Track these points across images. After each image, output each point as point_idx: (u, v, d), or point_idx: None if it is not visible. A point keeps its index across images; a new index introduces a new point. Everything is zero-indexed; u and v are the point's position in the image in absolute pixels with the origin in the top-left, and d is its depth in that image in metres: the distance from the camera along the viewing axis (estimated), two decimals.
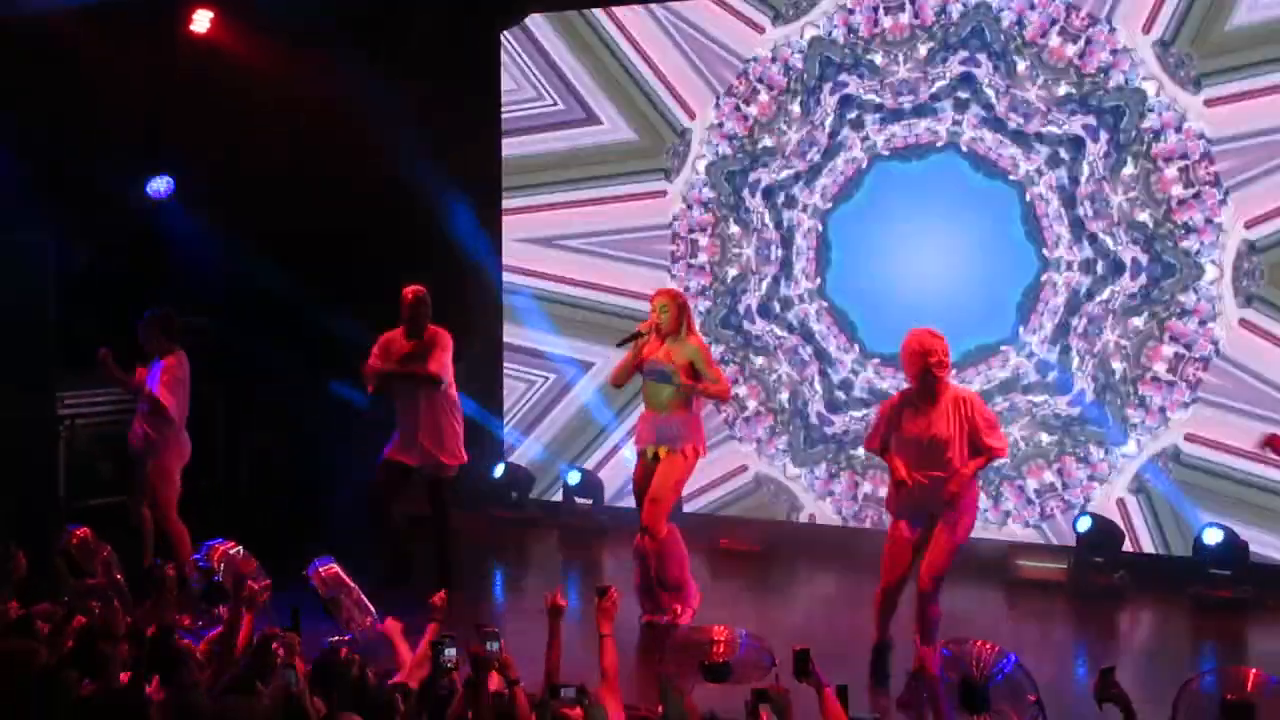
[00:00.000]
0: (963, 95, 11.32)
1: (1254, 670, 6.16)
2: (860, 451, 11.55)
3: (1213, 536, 9.93)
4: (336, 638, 7.29)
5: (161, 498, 9.80)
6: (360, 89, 11.80)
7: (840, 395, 11.92)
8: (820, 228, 11.96)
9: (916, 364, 8.03)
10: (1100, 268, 10.87)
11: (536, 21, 12.79)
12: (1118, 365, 10.83)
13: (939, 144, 11.47)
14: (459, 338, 10.15)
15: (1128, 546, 10.47)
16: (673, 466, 9.04)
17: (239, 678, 5.99)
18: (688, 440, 9.05)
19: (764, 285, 12.20)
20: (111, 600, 6.89)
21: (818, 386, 12.00)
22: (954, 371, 10.78)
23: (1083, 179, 10.91)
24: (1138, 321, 10.73)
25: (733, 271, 12.31)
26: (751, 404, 12.17)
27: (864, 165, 11.77)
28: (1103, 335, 10.87)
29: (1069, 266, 11.01)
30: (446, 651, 5.99)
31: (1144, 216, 10.68)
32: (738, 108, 12.18)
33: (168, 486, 9.83)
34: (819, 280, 11.99)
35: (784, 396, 12.08)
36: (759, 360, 12.13)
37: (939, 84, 11.40)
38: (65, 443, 11.92)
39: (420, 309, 9.77)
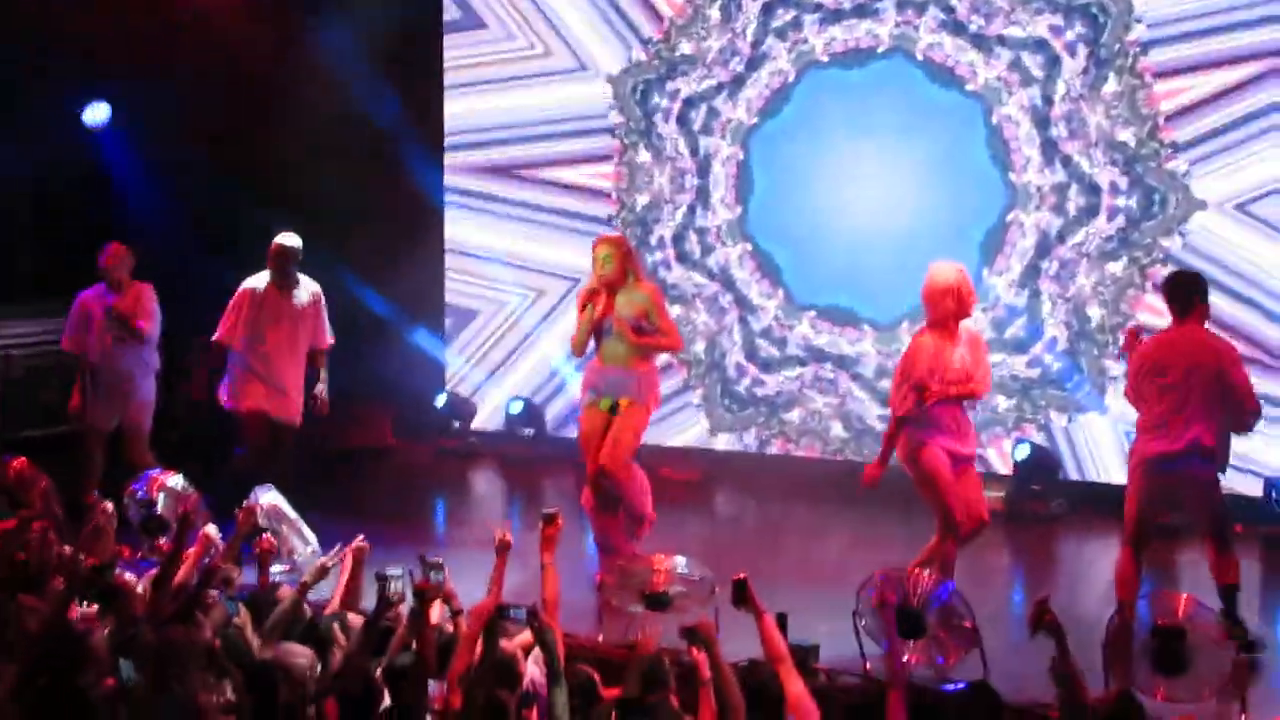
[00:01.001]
0: None
1: (1185, 595, 6.27)
2: (794, 416, 11.49)
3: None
4: (277, 567, 7.30)
5: (142, 426, 9.74)
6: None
7: (774, 352, 11.63)
8: (741, 154, 11.60)
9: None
10: (1074, 193, 10.47)
11: None
12: (1095, 312, 10.52)
13: (881, 49, 11.02)
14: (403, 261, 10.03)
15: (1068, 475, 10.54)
16: (635, 415, 8.62)
17: (180, 610, 5.97)
18: (649, 391, 8.67)
19: (678, 216, 11.91)
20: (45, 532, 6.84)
21: (736, 337, 11.72)
22: (906, 324, 10.69)
23: (1057, 97, 10.49)
24: (1115, 267, 10.40)
25: (643, 199, 12.05)
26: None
27: (792, 77, 11.34)
28: (1076, 280, 10.53)
29: (1039, 195, 10.58)
30: (393, 584, 5.98)
31: (1125, 135, 10.34)
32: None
33: (147, 415, 9.78)
34: (740, 210, 11.68)
35: (699, 348, 11.80)
36: (674, 310, 11.34)
37: None
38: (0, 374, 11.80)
39: None
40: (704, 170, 11.83)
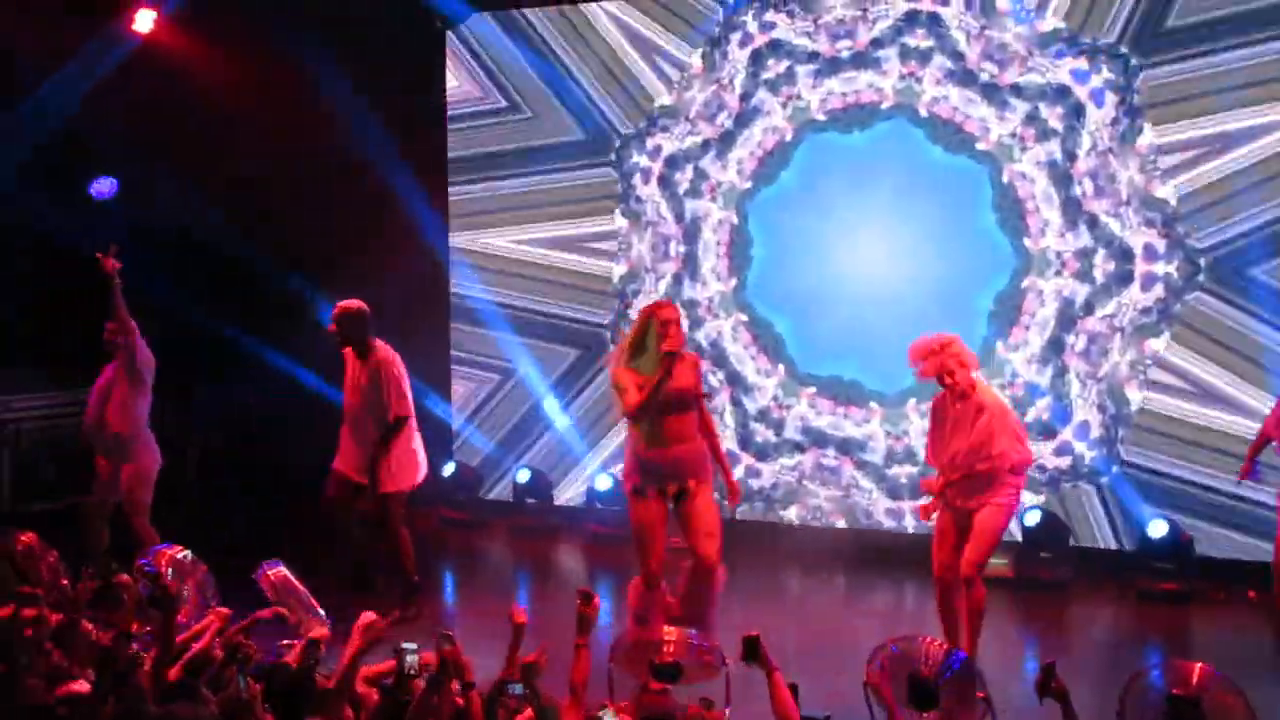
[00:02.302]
0: (917, 41, 10.35)
1: (1199, 665, 6.21)
2: (792, 514, 11.03)
3: (1158, 530, 9.98)
4: (286, 641, 7.25)
5: (140, 500, 9.69)
6: (306, 77, 11.79)
7: (770, 436, 11.13)
8: (735, 218, 11.19)
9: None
10: (1101, 258, 9.85)
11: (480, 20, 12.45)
12: (1135, 395, 9.95)
13: (885, 105, 10.60)
14: (409, 336, 10.03)
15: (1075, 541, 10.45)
16: (711, 499, 7.98)
17: (183, 683, 5.93)
18: (709, 466, 8.04)
19: (661, 286, 11.47)
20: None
21: (729, 420, 11.20)
22: (913, 401, 10.38)
23: (1081, 151, 9.91)
24: (1157, 344, 9.85)
25: (619, 269, 11.76)
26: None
27: (789, 136, 10.91)
28: (1110, 357, 9.96)
29: (1059, 260, 9.98)
30: (409, 659, 5.94)
31: (1165, 192, 9.72)
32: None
33: (147, 489, 9.73)
34: (734, 280, 11.27)
35: None
36: None
37: (882, 25, 10.53)
38: (9, 447, 11.80)
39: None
40: (691, 236, 11.44)
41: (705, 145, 11.30)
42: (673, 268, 11.45)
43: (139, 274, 11.71)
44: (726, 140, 11.20)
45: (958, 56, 10.35)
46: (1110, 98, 9.92)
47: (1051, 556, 10.21)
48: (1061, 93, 10.09)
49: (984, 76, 10.30)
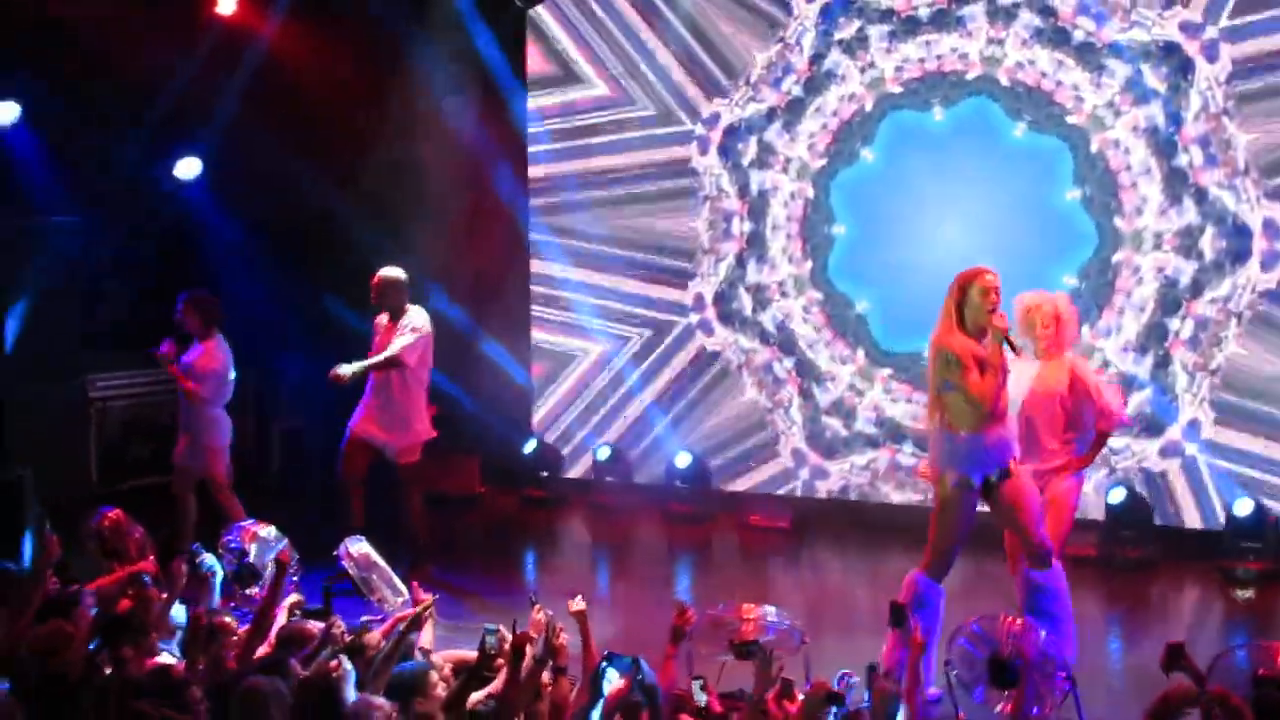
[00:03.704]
0: None
1: None
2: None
3: (1243, 508, 9.83)
4: (367, 617, 7.32)
5: (215, 474, 9.84)
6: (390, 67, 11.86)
7: (839, 429, 10.61)
8: (811, 190, 10.56)
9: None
10: (1211, 236, 8.86)
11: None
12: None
13: (972, 74, 9.89)
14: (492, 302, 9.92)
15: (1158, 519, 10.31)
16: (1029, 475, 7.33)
17: (272, 658, 6.02)
18: None
19: (722, 269, 11.02)
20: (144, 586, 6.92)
21: (795, 414, 10.72)
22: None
23: (1189, 114, 8.90)
24: None
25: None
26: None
27: (869, 105, 10.24)
28: (1224, 347, 9.09)
29: (1155, 240, 9.05)
30: (488, 639, 6.03)
31: None
32: None
33: (218, 462, 9.88)
34: (809, 265, 10.69)
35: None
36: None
37: None
38: (96, 426, 12.00)
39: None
40: (758, 212, 11.01)
41: (770, 114, 10.79)
42: (735, 247, 11.05)
43: (228, 252, 11.94)
44: (794, 109, 10.65)
45: (1048, 11, 9.56)
46: (1225, 50, 8.94)
47: (1135, 535, 10.09)
48: (1170, 49, 9.15)
49: (1078, 35, 9.55)
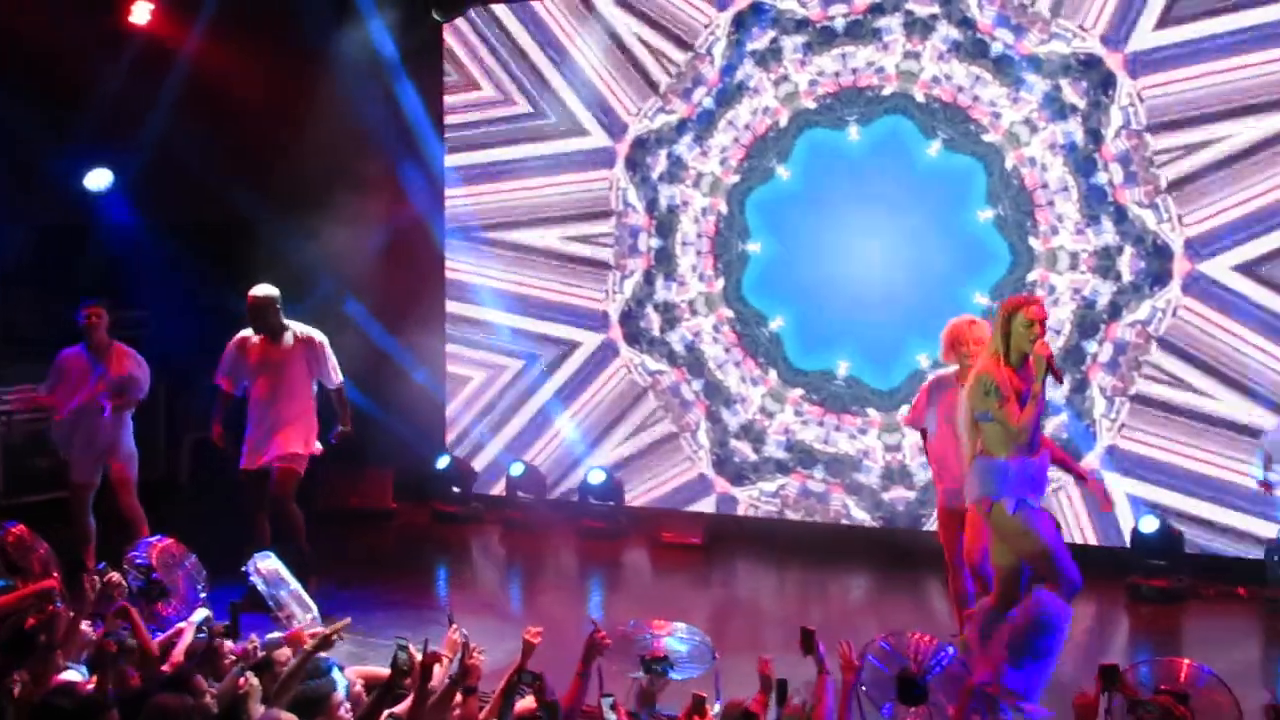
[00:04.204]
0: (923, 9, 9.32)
1: (1187, 661, 6.23)
2: None
3: (1149, 526, 9.93)
4: (275, 634, 7.26)
5: (132, 481, 9.79)
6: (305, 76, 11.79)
7: (748, 454, 10.58)
8: (723, 206, 10.41)
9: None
10: (1129, 257, 8.63)
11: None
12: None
13: (886, 91, 9.75)
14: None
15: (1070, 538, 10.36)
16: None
17: (177, 676, 5.95)
18: None
19: (628, 286, 10.98)
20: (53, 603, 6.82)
21: (703, 439, 10.63)
22: (904, 408, 9.14)
23: (1109, 131, 8.72)
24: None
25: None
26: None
27: (784, 120, 10.10)
28: (1143, 370, 8.81)
29: (1071, 260, 8.87)
30: (400, 655, 5.98)
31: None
32: None
33: (134, 469, 9.85)
34: (720, 282, 10.60)
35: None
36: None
37: None
38: (1, 439, 11.82)
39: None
40: (666, 228, 10.85)
41: (680, 126, 10.67)
42: (641, 264, 10.94)
43: (147, 256, 11.81)
44: (704, 120, 10.53)
45: (966, 23, 9.43)
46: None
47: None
48: (1089, 64, 9.01)
49: (996, 47, 9.42)
